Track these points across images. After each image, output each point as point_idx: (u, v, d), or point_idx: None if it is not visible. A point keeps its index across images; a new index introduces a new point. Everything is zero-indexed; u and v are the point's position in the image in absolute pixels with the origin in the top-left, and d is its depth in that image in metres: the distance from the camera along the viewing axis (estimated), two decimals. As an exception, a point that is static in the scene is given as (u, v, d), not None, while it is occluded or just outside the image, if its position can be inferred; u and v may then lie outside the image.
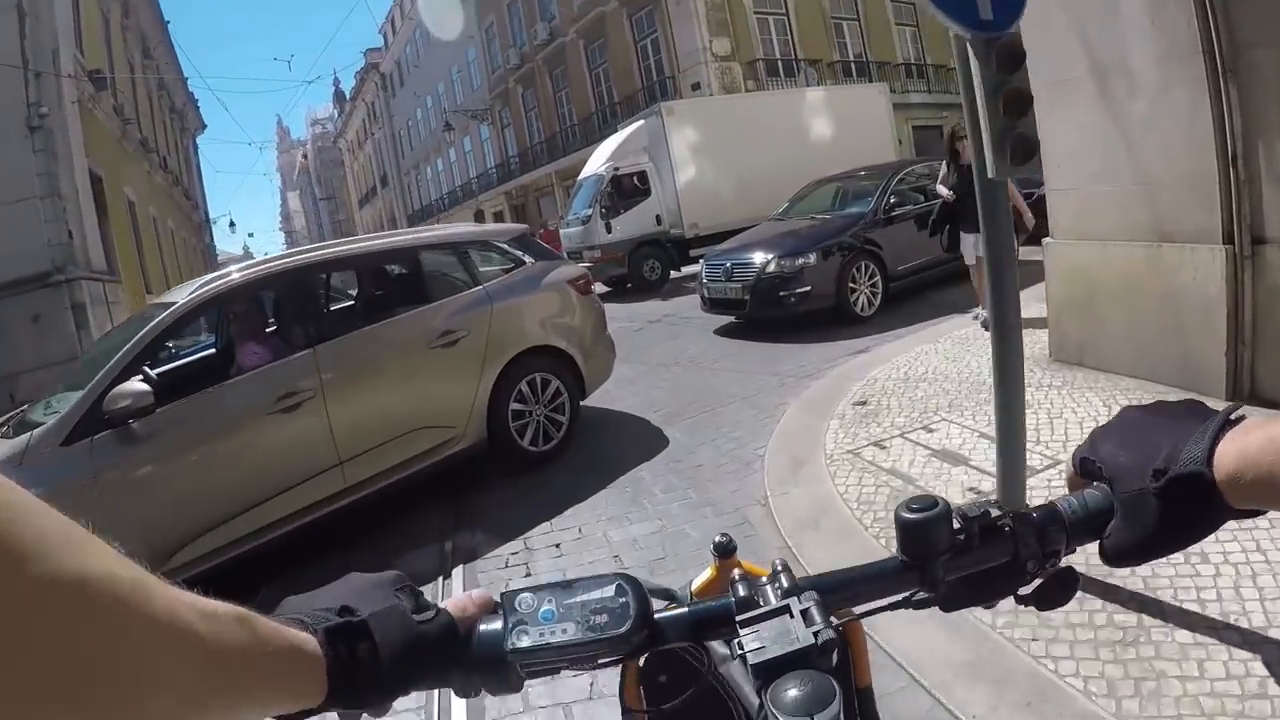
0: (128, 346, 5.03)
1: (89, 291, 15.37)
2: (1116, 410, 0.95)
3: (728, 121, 19.20)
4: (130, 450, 4.84)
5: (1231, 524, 0.80)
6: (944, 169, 8.99)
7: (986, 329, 6.83)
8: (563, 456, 6.79)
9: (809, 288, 10.22)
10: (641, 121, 19.52)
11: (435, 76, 51.55)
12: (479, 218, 45.41)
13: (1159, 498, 0.80)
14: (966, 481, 4.86)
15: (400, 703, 0.80)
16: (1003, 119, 3.31)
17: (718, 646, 0.99)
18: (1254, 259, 5.00)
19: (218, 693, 0.56)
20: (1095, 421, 5.04)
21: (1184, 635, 3.09)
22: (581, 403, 7.16)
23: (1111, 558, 0.87)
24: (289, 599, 0.79)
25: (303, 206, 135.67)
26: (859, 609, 0.94)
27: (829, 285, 10.34)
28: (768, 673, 0.77)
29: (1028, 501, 3.67)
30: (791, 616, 0.82)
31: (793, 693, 0.73)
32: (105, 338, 7.49)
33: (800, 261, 10.29)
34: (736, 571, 0.93)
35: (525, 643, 0.80)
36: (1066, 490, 0.95)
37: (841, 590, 0.91)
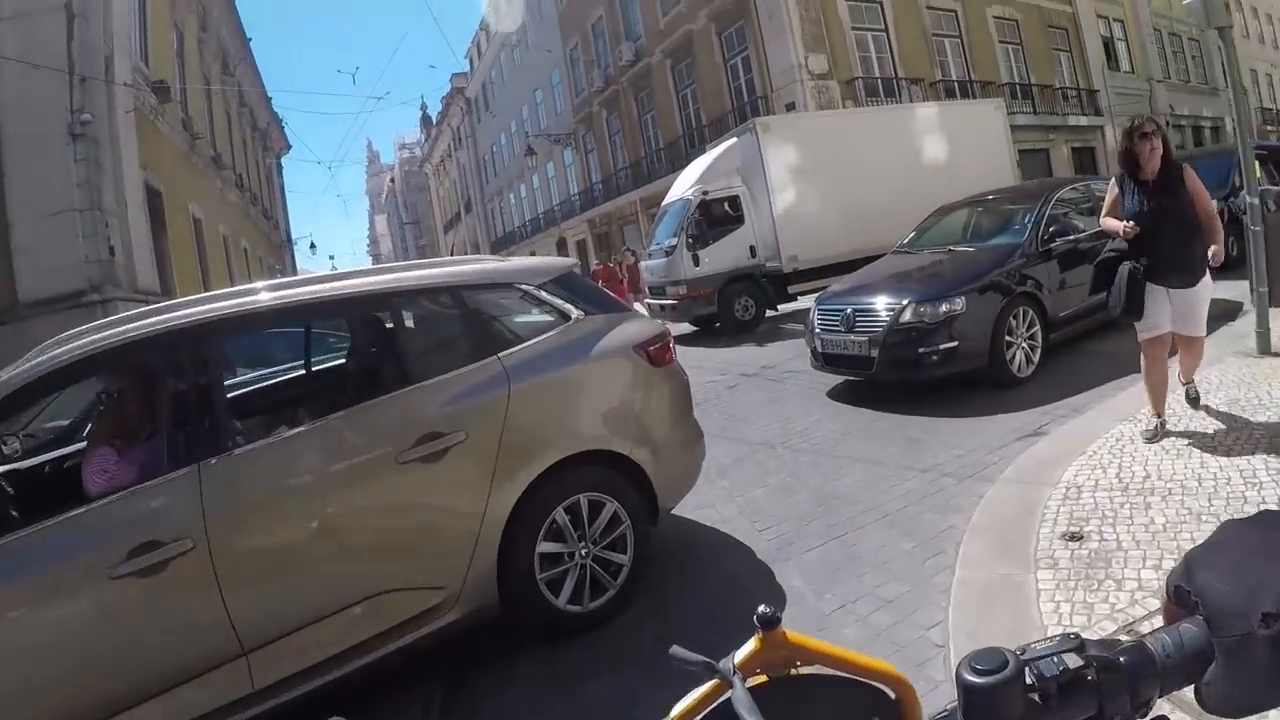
0: None
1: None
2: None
3: (831, 140, 16.92)
4: None
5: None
6: (1114, 189, 5.95)
7: (1152, 441, 5.65)
8: (618, 617, 4.51)
9: (956, 343, 7.88)
10: (734, 139, 17.32)
11: (519, 100, 50.94)
12: (561, 246, 44.20)
13: (1270, 646, 0.70)
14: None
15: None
16: None
17: None
18: None
19: None
20: None
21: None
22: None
23: (1211, 707, 0.75)
24: None
25: (389, 230, 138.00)
26: None
27: (982, 339, 8.04)
28: None
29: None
30: None
31: None
32: None
33: (945, 308, 7.95)
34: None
35: None
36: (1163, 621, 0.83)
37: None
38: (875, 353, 8.15)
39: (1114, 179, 6.01)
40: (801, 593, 4.53)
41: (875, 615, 4.14)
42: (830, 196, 16.44)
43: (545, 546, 4.27)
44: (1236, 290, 9.82)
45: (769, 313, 16.92)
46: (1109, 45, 36.08)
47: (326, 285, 4.35)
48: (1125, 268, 5.66)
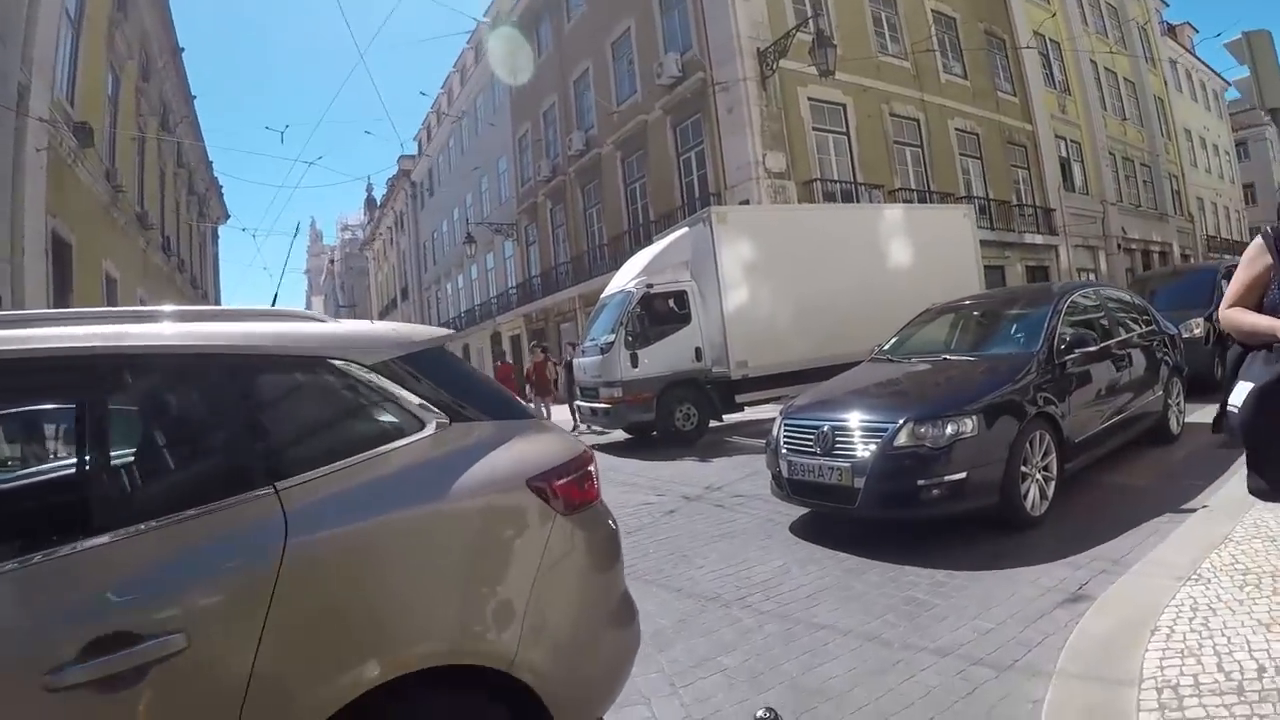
0: None
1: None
2: None
3: (790, 237, 15.47)
4: None
5: None
6: (1260, 255, 3.35)
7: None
8: None
9: (964, 474, 6.17)
10: (685, 229, 15.77)
11: (465, 186, 49.70)
12: (496, 341, 42.38)
13: None
14: None
15: None
16: None
17: None
18: None
19: None
20: None
21: None
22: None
23: None
24: None
25: (325, 312, 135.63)
26: None
27: (995, 470, 6.33)
28: None
29: None
30: None
31: None
32: None
33: (952, 430, 6.24)
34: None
35: None
36: None
37: None
38: (860, 483, 6.37)
39: (1260, 239, 3.39)
40: None
41: None
42: (786, 298, 14.99)
43: None
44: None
45: (713, 423, 15.21)
46: (1065, 165, 36.22)
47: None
48: (1253, 389, 3.21)
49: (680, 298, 14.94)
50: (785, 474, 7.08)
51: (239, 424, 2.57)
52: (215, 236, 49.45)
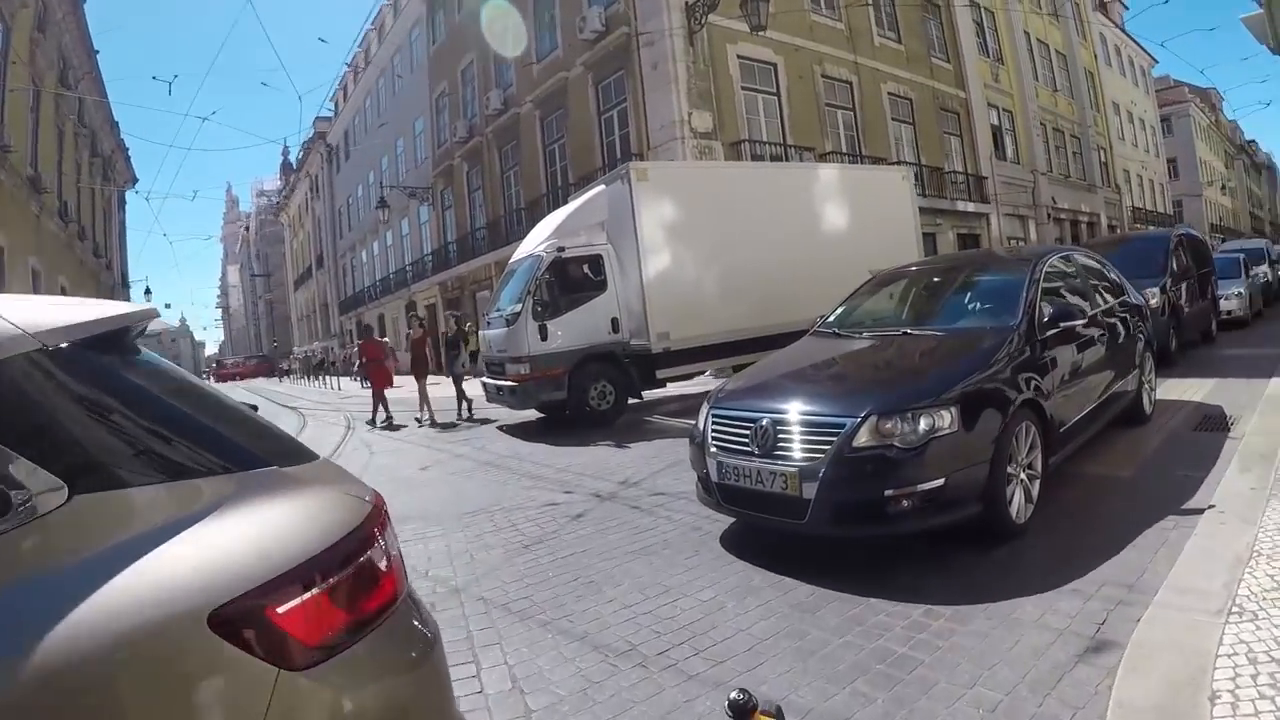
0: None
1: None
2: None
3: (717, 196, 14.06)
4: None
5: None
6: None
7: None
8: None
9: (940, 479, 4.80)
10: (601, 187, 14.21)
11: (380, 149, 47.68)
12: (411, 309, 40.46)
13: None
14: None
15: None
16: None
17: None
18: None
19: None
20: None
21: None
22: None
23: None
24: None
25: (240, 282, 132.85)
26: None
27: (977, 471, 4.96)
28: None
29: None
30: None
31: None
32: None
33: (926, 425, 4.86)
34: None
35: None
36: None
37: None
38: (811, 492, 4.91)
39: None
40: None
41: None
42: (713, 264, 13.63)
43: None
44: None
45: (632, 400, 13.80)
46: (997, 134, 35.82)
47: None
48: None
49: (595, 263, 13.42)
50: (715, 477, 5.60)
51: None
52: (122, 202, 47.44)
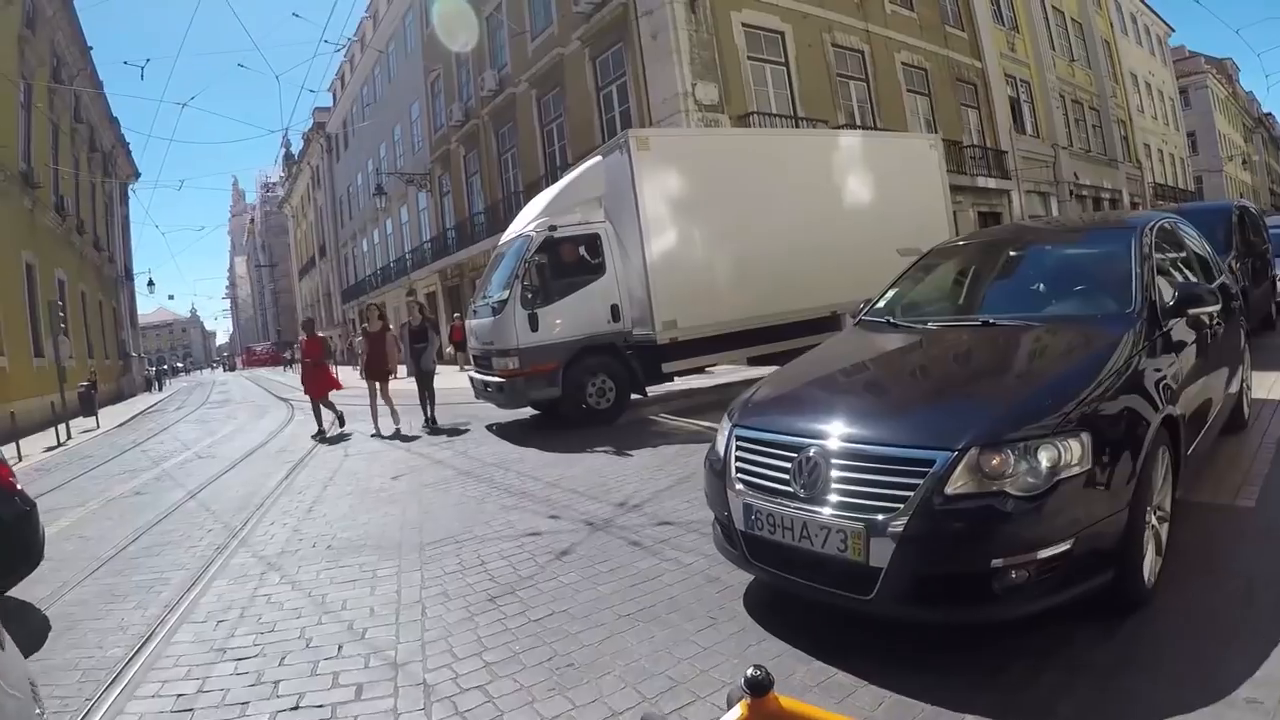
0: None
1: None
2: None
3: (728, 167, 12.51)
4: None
5: None
6: None
7: None
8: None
9: (1068, 542, 3.27)
10: (598, 158, 12.71)
11: (378, 137, 46.83)
12: (411, 295, 39.43)
13: None
14: None
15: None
16: None
17: None
18: None
19: None
20: None
21: None
22: None
23: None
24: None
25: (248, 273, 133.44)
26: None
27: (1111, 524, 3.42)
28: None
29: None
30: None
31: None
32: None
33: (1049, 460, 3.31)
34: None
35: None
36: None
37: None
38: (883, 558, 3.36)
39: None
40: None
41: None
42: (724, 242, 12.21)
43: None
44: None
45: (634, 397, 12.38)
46: (1015, 106, 34.21)
47: None
48: None
49: (592, 243, 11.96)
50: (741, 524, 4.02)
51: None
52: (125, 196, 47.56)
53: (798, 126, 22.77)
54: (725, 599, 4.51)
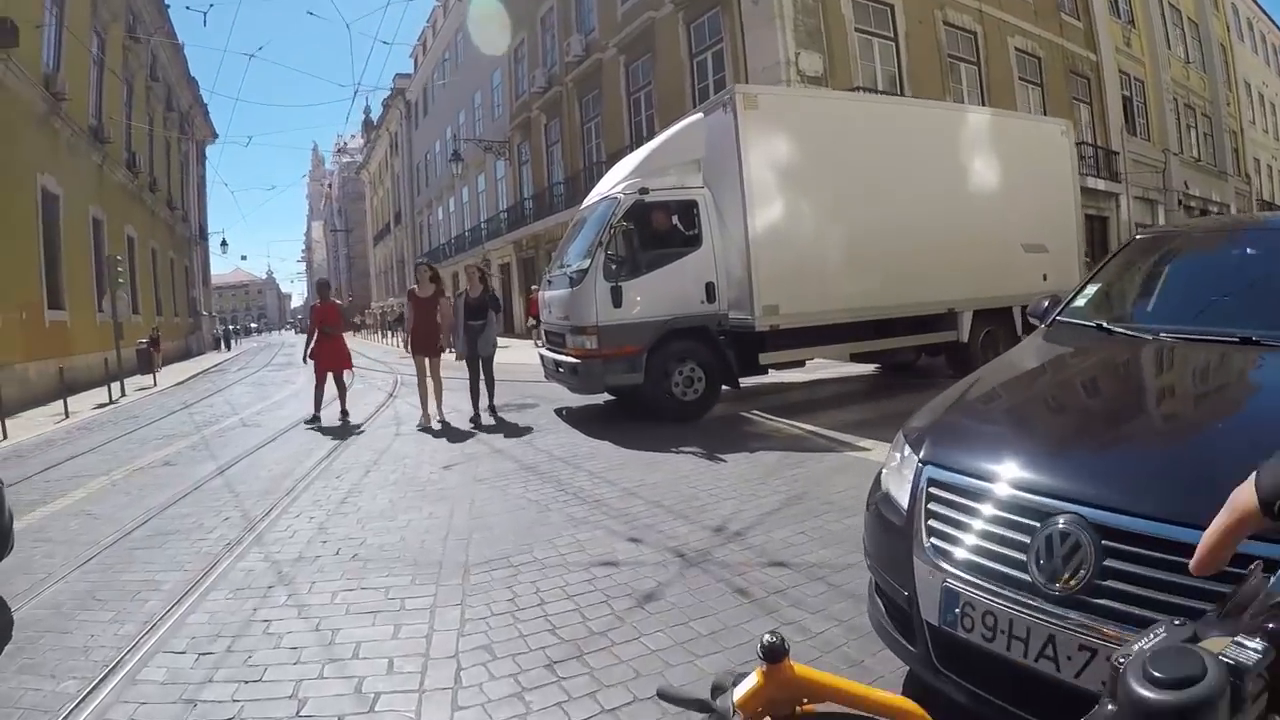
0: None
1: None
2: None
3: (845, 134, 10.96)
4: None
5: None
6: None
7: None
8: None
9: None
10: (699, 115, 11.14)
11: (458, 104, 46.29)
12: (485, 267, 38.65)
13: None
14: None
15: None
16: None
17: None
18: None
19: None
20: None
21: None
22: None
23: None
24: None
25: (324, 238, 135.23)
26: None
27: None
28: None
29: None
30: None
31: None
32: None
33: None
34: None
35: None
36: None
37: None
38: None
39: None
40: None
41: None
42: (836, 220, 10.72)
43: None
44: None
45: (725, 387, 10.88)
46: (1128, 105, 32.14)
47: None
48: None
49: (687, 211, 10.42)
50: (933, 614, 2.56)
51: None
52: (202, 156, 48.01)
53: (908, 105, 21.31)
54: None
